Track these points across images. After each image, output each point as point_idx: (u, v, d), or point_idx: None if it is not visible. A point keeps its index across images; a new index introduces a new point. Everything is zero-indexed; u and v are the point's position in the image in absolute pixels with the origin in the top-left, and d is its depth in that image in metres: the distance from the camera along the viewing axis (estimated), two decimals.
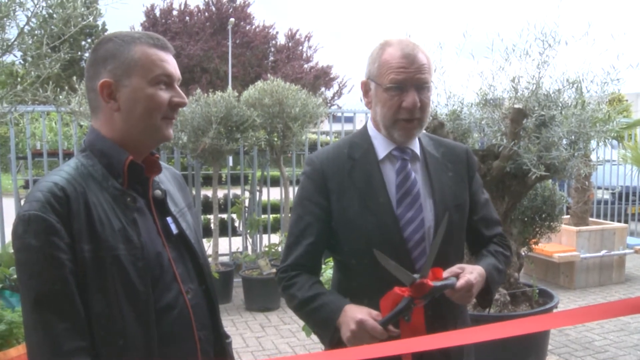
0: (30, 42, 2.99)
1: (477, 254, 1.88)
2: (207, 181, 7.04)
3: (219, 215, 6.50)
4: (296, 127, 5.98)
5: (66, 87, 3.69)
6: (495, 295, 3.12)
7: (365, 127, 1.83)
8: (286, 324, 5.35)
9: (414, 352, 1.36)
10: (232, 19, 25.52)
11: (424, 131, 1.85)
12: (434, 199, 1.73)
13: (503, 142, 3.43)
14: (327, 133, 8.10)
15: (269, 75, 17.09)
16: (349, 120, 8.10)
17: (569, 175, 3.60)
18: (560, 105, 3.49)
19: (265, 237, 7.14)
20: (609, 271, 6.75)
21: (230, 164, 6.98)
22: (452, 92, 3.90)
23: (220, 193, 6.84)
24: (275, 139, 6.28)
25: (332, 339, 1.63)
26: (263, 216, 7.15)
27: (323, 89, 27.19)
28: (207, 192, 7.02)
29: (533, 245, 4.46)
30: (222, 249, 6.64)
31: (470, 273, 1.59)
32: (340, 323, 1.60)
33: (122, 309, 1.31)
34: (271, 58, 27.91)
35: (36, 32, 3.09)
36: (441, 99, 3.89)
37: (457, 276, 1.57)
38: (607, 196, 8.90)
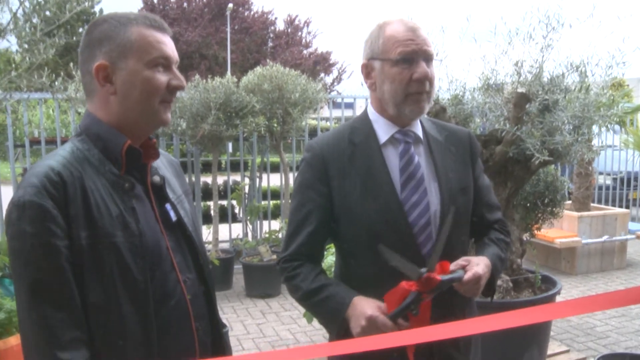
0: (24, 26, 2.93)
1: (478, 239, 1.86)
2: (206, 168, 7.00)
3: (219, 202, 6.47)
4: (296, 113, 5.93)
5: (62, 73, 3.62)
6: (498, 282, 3.10)
7: (365, 112, 1.78)
8: (287, 310, 5.34)
9: (424, 343, 1.34)
10: (230, 5, 25.32)
11: (426, 115, 1.81)
12: (439, 182, 1.69)
13: (506, 127, 3.38)
14: (327, 119, 8.05)
15: (268, 61, 17.01)
16: (349, 106, 8.03)
17: (572, 161, 3.56)
18: (565, 89, 3.44)
19: (265, 223, 7.12)
20: (611, 257, 6.73)
21: (230, 150, 6.95)
22: (454, 76, 3.85)
23: (220, 179, 6.81)
24: (275, 125, 6.24)
25: (339, 330, 1.61)
26: (263, 202, 7.13)
27: (322, 74, 27.05)
28: (207, 179, 7.00)
29: (535, 231, 4.43)
30: (222, 235, 6.63)
31: (477, 265, 1.56)
32: (349, 316, 1.57)
33: (119, 299, 1.27)
34: (270, 44, 27.74)
35: (30, 17, 3.04)
36: (443, 84, 3.84)
37: (463, 268, 1.54)
38: (608, 181, 8.87)
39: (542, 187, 4.19)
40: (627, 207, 8.31)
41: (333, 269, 1.90)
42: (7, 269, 4.20)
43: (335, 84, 28.15)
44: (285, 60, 23.27)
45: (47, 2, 3.06)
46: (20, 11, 2.95)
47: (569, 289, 5.86)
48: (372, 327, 1.50)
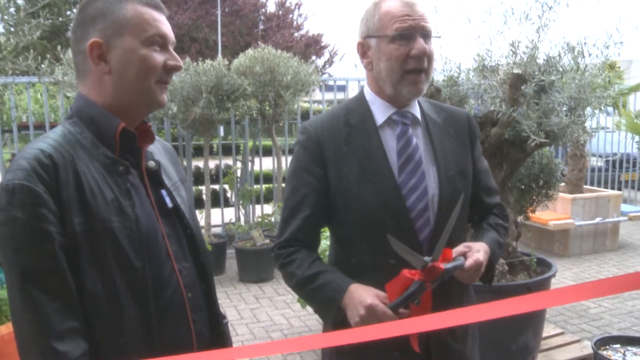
0: (7, 5, 2.84)
1: (476, 224, 1.82)
2: (198, 152, 6.94)
3: (211, 186, 6.41)
4: (288, 96, 5.87)
5: (48, 56, 3.53)
6: None
7: (361, 92, 1.73)
8: (280, 295, 5.32)
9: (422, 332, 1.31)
10: None
11: (422, 97, 1.76)
12: (437, 166, 1.64)
13: (502, 109, 3.33)
14: (319, 102, 7.98)
15: (259, 43, 16.80)
16: (342, 88, 7.96)
17: (567, 142, 3.52)
18: (561, 70, 3.39)
19: (258, 207, 7.07)
20: (603, 238, 6.75)
21: (222, 134, 6.88)
22: (448, 57, 3.80)
23: (212, 164, 6.75)
24: (267, 108, 6.17)
25: (335, 319, 1.56)
26: (255, 186, 7.08)
27: (314, 57, 26.86)
28: (199, 163, 6.93)
29: (529, 214, 4.42)
30: (214, 220, 6.58)
31: (478, 252, 1.53)
32: (345, 304, 1.52)
33: (117, 287, 1.22)
34: (261, 27, 27.43)
35: None
36: (437, 65, 3.78)
37: (464, 255, 1.50)
38: (600, 163, 8.88)
39: (537, 170, 4.16)
40: (619, 189, 8.33)
41: (327, 254, 1.86)
42: None
43: (327, 66, 27.95)
44: (276, 43, 23.04)
45: None
46: None
47: (562, 271, 5.87)
48: (372, 316, 1.45)
